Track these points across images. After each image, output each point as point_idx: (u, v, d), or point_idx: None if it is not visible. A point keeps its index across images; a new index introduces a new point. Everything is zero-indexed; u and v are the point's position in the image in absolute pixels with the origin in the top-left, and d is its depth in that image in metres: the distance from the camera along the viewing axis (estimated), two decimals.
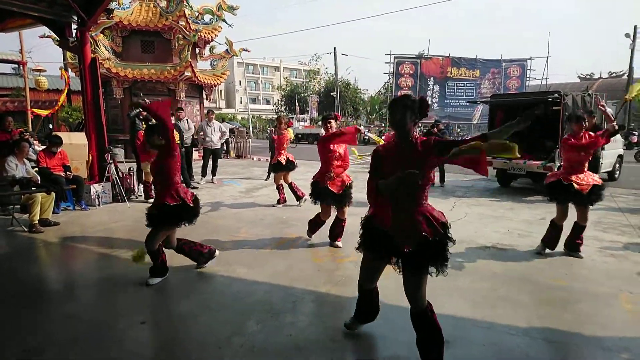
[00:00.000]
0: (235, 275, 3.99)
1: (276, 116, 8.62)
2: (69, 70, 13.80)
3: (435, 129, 9.67)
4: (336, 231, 4.86)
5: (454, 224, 5.89)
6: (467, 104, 28.39)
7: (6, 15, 8.31)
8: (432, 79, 29.87)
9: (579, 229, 4.56)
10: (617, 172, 10.41)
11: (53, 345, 2.77)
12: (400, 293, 2.70)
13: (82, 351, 2.69)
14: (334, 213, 4.82)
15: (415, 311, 2.45)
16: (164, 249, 3.92)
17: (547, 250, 4.63)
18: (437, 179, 9.50)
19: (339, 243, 4.84)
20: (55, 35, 7.79)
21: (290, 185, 7.25)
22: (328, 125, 4.68)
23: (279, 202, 7.28)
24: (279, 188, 7.33)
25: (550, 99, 8.15)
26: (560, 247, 4.70)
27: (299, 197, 7.23)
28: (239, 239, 5.23)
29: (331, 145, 4.63)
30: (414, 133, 2.36)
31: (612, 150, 9.58)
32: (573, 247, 4.60)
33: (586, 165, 4.51)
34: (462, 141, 2.25)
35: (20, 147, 5.60)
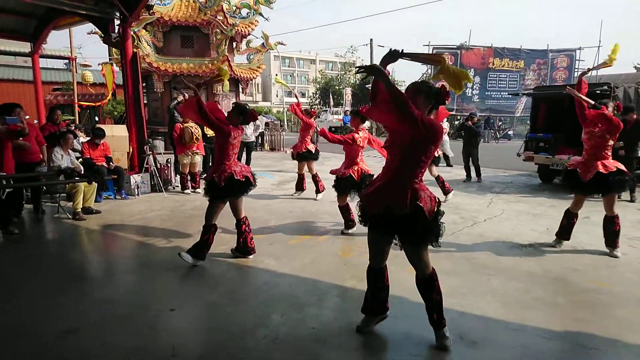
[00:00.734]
0: (262, 266, 4.05)
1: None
2: (114, 65, 14.40)
3: (469, 122, 9.36)
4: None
5: (489, 221, 5.82)
6: (509, 96, 27.26)
7: (58, 14, 8.81)
8: (472, 70, 28.81)
9: (607, 221, 4.35)
10: None
11: (88, 326, 2.92)
12: None
13: (113, 333, 2.81)
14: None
15: (421, 277, 2.63)
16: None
17: (584, 247, 4.40)
18: (473, 175, 9.20)
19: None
20: (100, 32, 8.15)
21: (314, 177, 7.26)
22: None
23: (317, 192, 7.26)
24: (303, 178, 7.48)
25: (599, 92, 7.65)
26: (602, 248, 4.44)
27: (318, 191, 7.22)
28: (268, 230, 5.30)
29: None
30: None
31: None
32: (608, 242, 4.38)
33: (606, 152, 4.27)
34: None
35: (65, 138, 5.92)
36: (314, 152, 7.31)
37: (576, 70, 28.49)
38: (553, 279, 3.77)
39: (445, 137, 10.62)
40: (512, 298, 3.36)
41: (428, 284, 2.62)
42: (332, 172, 5.18)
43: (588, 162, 4.28)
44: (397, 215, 2.45)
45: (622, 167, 4.27)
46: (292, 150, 7.77)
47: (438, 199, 2.60)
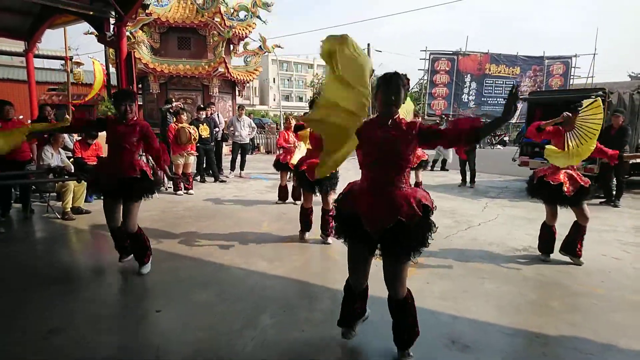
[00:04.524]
0: (254, 268, 3.98)
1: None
2: (110, 65, 14.33)
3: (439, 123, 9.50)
4: (324, 226, 4.79)
5: (484, 225, 5.77)
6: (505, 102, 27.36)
7: (53, 12, 8.74)
8: (469, 75, 28.95)
9: (578, 229, 4.21)
10: None
11: (73, 326, 2.84)
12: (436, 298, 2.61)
13: (98, 333, 2.74)
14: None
15: (394, 299, 2.39)
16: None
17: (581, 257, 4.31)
18: (468, 179, 9.18)
19: (329, 240, 4.73)
20: (96, 32, 8.09)
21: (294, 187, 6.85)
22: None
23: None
24: (285, 188, 7.06)
25: (593, 97, 7.65)
26: (596, 253, 4.41)
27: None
28: (260, 232, 5.23)
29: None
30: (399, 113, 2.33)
31: None
32: (570, 249, 4.24)
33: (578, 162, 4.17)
34: (445, 130, 2.29)
35: (55, 137, 5.84)
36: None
37: (572, 77, 28.69)
38: (547, 283, 3.73)
39: None
40: (505, 302, 3.31)
41: (402, 307, 2.39)
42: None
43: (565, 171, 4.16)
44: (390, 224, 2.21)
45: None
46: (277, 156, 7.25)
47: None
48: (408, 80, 2.34)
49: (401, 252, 2.25)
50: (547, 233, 4.36)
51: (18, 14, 9.46)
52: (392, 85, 2.24)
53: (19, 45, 12.07)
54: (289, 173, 7.06)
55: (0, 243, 4.76)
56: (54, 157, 5.77)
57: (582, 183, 4.04)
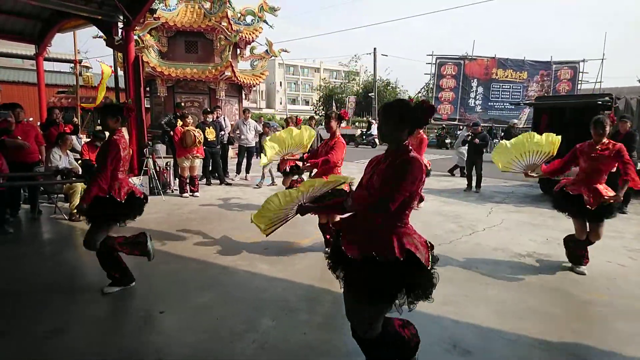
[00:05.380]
0: (256, 270, 4.00)
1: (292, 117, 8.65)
2: (118, 69, 14.48)
3: (472, 134, 9.31)
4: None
5: (488, 231, 5.75)
6: (512, 106, 27.23)
7: (62, 16, 8.88)
8: (475, 80, 28.87)
9: (587, 243, 4.07)
10: None
11: (76, 325, 2.89)
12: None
13: (100, 334, 2.77)
14: None
15: (361, 338, 2.08)
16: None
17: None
18: (474, 184, 9.14)
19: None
20: (104, 35, 8.22)
21: None
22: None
23: None
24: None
25: (600, 102, 7.62)
26: (601, 259, 4.37)
27: None
28: (263, 235, 5.22)
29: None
30: (407, 143, 1.97)
31: None
32: (575, 259, 4.14)
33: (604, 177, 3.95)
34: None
35: (63, 139, 5.92)
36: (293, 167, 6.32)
37: (580, 82, 28.49)
38: (550, 289, 3.70)
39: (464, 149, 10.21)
40: (508, 307, 3.29)
41: (369, 346, 2.09)
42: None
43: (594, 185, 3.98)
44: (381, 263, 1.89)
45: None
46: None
47: (430, 243, 2.10)
48: (409, 106, 1.96)
49: (360, 289, 1.94)
50: (578, 247, 4.11)
51: (29, 18, 9.64)
52: (383, 115, 1.99)
53: (29, 49, 12.26)
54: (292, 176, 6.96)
55: (9, 244, 4.83)
56: (62, 159, 5.85)
57: (606, 197, 3.80)
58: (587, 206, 3.82)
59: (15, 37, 10.57)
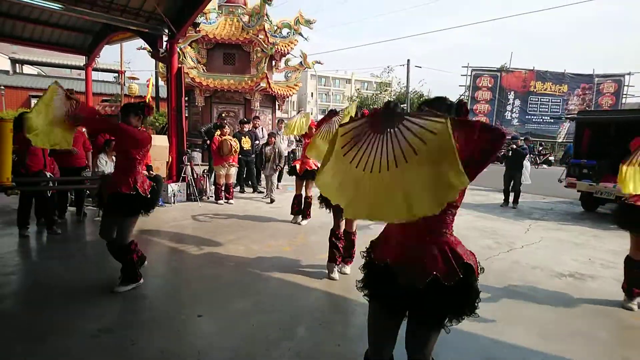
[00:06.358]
0: (290, 279, 4.04)
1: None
2: (159, 79, 15.12)
3: (514, 146, 9.07)
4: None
5: (527, 248, 5.58)
6: (551, 120, 26.39)
7: (112, 30, 9.42)
8: (512, 92, 28.21)
9: (631, 265, 3.60)
10: None
11: (121, 326, 3.01)
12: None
13: (144, 335, 2.87)
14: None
15: None
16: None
17: None
18: (511, 199, 8.89)
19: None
20: (149, 47, 8.62)
21: (306, 199, 6.41)
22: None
23: (305, 217, 6.47)
24: (296, 200, 6.46)
25: None
26: None
27: (304, 216, 6.46)
28: (297, 244, 5.30)
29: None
30: None
31: None
32: (628, 291, 3.64)
33: None
34: None
35: (110, 145, 6.22)
36: (306, 172, 6.21)
37: (624, 96, 27.28)
38: (597, 312, 3.54)
39: (527, 163, 9.40)
40: (548, 329, 3.18)
41: None
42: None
43: None
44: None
45: None
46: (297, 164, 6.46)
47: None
48: (444, 100, 1.84)
49: (429, 317, 1.71)
50: (633, 269, 3.61)
51: (81, 32, 10.27)
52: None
53: (79, 59, 13.00)
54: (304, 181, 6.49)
55: (58, 244, 5.10)
56: (107, 165, 6.15)
57: None
58: None
59: (68, 50, 11.27)
